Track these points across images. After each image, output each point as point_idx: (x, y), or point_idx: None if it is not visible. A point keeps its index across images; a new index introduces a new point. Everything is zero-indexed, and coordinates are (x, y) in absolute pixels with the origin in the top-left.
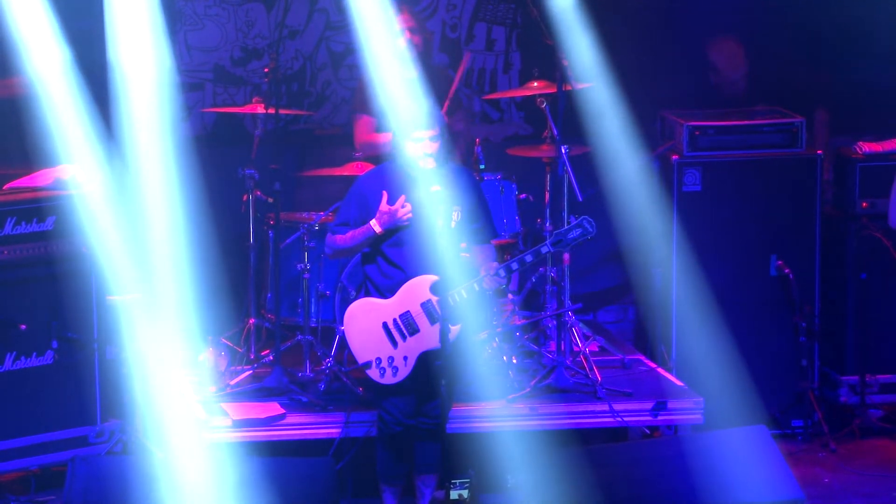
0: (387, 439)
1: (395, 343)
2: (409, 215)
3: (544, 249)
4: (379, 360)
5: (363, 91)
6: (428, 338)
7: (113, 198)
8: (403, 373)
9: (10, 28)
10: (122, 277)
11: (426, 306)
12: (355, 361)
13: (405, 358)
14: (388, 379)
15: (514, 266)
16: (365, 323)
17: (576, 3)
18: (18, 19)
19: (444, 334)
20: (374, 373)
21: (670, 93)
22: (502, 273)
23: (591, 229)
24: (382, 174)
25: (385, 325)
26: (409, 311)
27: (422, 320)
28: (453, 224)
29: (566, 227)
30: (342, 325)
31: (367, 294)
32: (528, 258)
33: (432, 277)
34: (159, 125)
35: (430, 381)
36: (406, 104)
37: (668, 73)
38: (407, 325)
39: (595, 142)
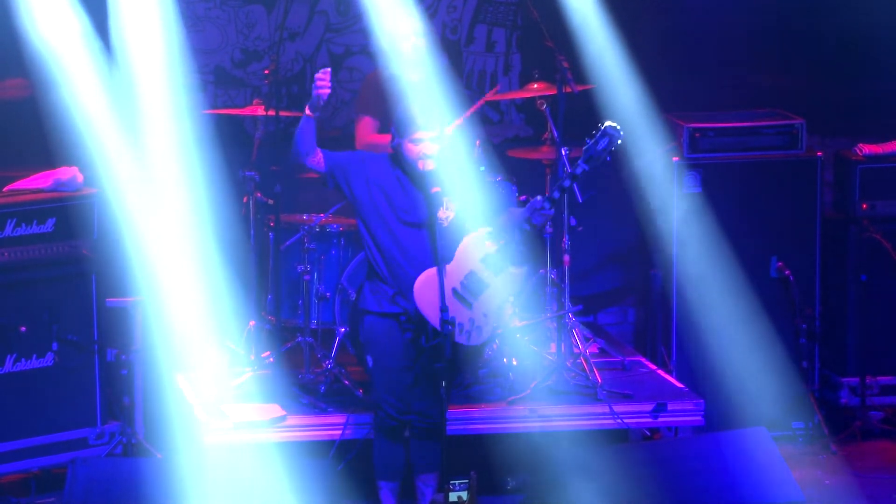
0: (383, 432)
1: (469, 305)
2: (323, 89)
3: (579, 170)
4: (461, 324)
5: (365, 92)
6: (499, 290)
7: (116, 199)
8: (487, 331)
9: (12, 30)
10: (122, 279)
11: (486, 260)
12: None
13: (485, 315)
14: (475, 339)
15: (556, 195)
16: (434, 294)
17: (588, 6)
18: (37, 18)
19: (448, 341)
20: (461, 337)
21: (671, 94)
22: (547, 206)
23: (617, 134)
24: (382, 164)
25: (455, 291)
26: (472, 271)
27: (487, 275)
28: (446, 223)
29: (592, 140)
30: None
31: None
32: (566, 183)
33: (483, 231)
34: (165, 126)
35: (427, 379)
36: (411, 105)
37: (669, 74)
38: (475, 284)
39: None
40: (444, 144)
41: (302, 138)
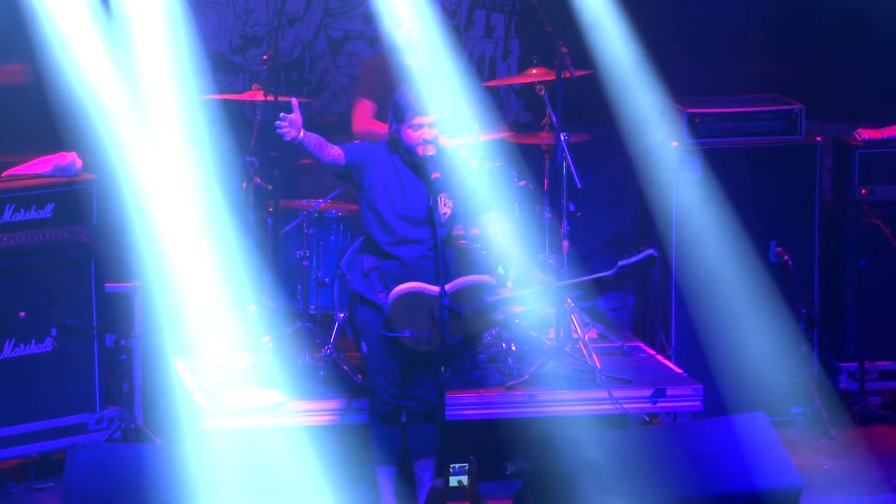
0: (379, 418)
1: (443, 326)
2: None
3: (609, 275)
4: (416, 332)
5: (364, 75)
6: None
7: (115, 184)
8: (435, 343)
9: (12, 13)
10: (122, 265)
11: (487, 305)
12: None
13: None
14: (422, 346)
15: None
16: (413, 309)
17: None
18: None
19: (444, 325)
20: (407, 340)
21: (669, 79)
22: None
23: (655, 262)
24: (382, 155)
25: (430, 312)
26: (467, 304)
27: (479, 313)
28: (448, 211)
29: (630, 259)
30: (389, 299)
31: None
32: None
33: (488, 279)
34: (166, 111)
35: (423, 365)
36: (411, 90)
37: (668, 60)
38: (460, 315)
39: (594, 129)
40: (444, 131)
41: (310, 152)
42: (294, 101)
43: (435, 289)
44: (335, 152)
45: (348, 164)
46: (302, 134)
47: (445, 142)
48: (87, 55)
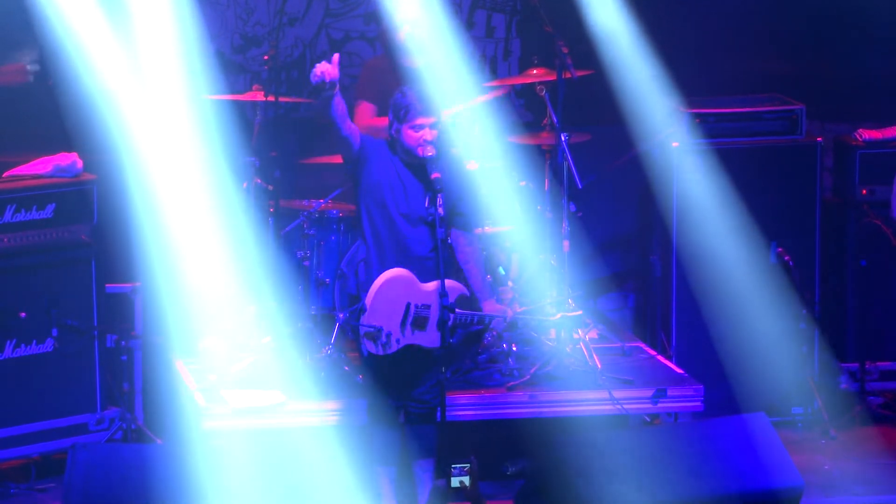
0: (378, 418)
1: (402, 325)
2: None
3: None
4: (381, 328)
5: (365, 78)
6: (427, 337)
7: (116, 184)
8: (389, 351)
9: (18, 12)
10: (122, 265)
11: (443, 312)
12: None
13: (398, 340)
14: (377, 350)
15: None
16: (396, 293)
17: None
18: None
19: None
20: (370, 341)
21: (670, 79)
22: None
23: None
24: (383, 153)
25: (408, 305)
26: (430, 306)
27: (433, 322)
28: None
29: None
30: (376, 281)
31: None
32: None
33: (464, 290)
34: (168, 112)
35: (422, 367)
36: (412, 90)
37: (668, 59)
38: (419, 316)
39: (595, 129)
40: (444, 130)
41: (333, 116)
42: (336, 56)
43: (424, 286)
44: (354, 128)
45: (361, 148)
46: (336, 92)
47: (445, 112)
48: (89, 53)
